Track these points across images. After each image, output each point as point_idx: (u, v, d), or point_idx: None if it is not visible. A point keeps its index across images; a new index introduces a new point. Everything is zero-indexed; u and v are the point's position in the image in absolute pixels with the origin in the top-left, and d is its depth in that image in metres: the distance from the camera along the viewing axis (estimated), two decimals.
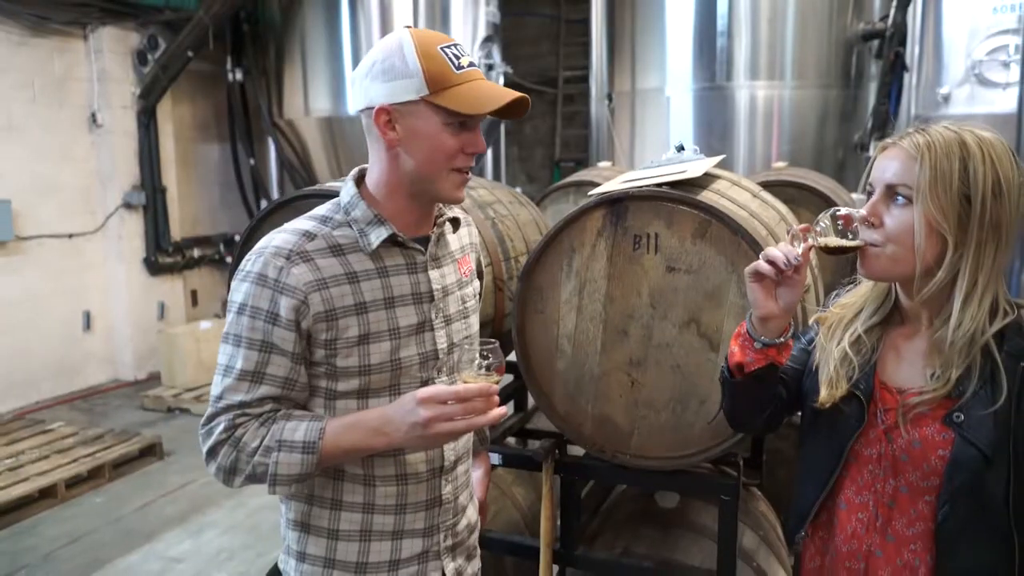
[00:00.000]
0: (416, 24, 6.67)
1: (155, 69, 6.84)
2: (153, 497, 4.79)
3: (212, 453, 1.45)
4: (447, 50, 1.44)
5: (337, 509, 1.55)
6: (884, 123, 5.12)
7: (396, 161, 1.48)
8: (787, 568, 2.67)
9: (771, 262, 1.39)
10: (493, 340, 1.43)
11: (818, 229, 1.41)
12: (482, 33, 7.10)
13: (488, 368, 1.38)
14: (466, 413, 1.35)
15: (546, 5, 9.00)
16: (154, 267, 7.22)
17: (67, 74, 6.68)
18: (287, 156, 7.08)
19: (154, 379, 7.05)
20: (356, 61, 6.63)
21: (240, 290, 1.46)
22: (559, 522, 2.28)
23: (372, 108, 1.44)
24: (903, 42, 5.16)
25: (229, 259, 7.77)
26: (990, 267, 1.37)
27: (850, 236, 1.40)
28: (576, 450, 2.34)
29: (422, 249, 1.55)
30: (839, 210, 1.42)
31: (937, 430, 1.40)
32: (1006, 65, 7.27)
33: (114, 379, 7.19)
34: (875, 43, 5.19)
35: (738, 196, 2.12)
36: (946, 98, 7.56)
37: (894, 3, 5.10)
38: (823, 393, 1.52)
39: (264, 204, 7.56)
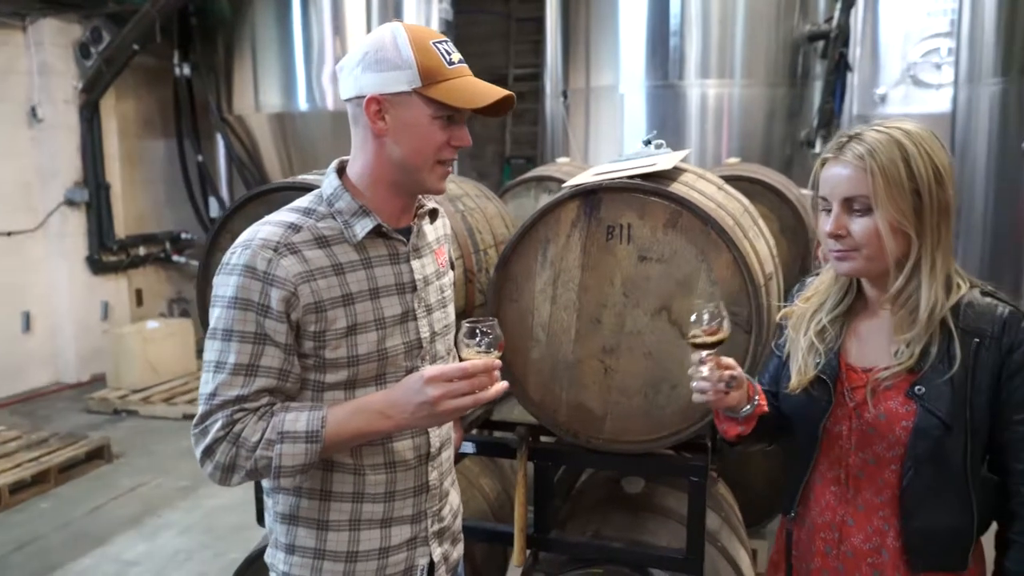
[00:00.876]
0: (368, 20, 6.66)
1: (99, 63, 6.66)
2: (103, 500, 4.68)
3: (209, 452, 1.43)
4: (439, 45, 1.48)
5: (327, 500, 1.56)
6: (829, 121, 5.31)
7: (383, 151, 1.50)
8: (747, 548, 2.77)
9: (711, 391, 1.51)
10: (492, 318, 1.47)
11: (705, 327, 1.52)
12: (435, 30, 7.08)
13: (488, 345, 1.42)
14: (472, 389, 1.39)
15: (497, 3, 9.05)
16: (97, 266, 7.04)
17: (6, 67, 6.47)
18: (237, 152, 6.97)
19: (98, 381, 6.87)
20: (308, 56, 6.57)
21: (228, 283, 1.45)
22: (532, 507, 2.32)
23: (362, 97, 1.46)
24: (847, 43, 5.35)
25: (175, 257, 7.63)
26: (945, 246, 1.49)
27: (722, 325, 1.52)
28: (547, 437, 2.38)
29: (404, 240, 1.58)
30: (704, 317, 1.52)
31: (901, 403, 1.51)
32: (939, 67, 7.59)
33: (56, 381, 6.99)
34: (820, 44, 5.36)
35: (705, 188, 2.19)
36: (883, 98, 7.86)
37: (838, 5, 5.29)
38: (793, 380, 1.63)
39: (212, 201, 7.44)
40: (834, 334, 1.62)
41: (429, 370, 1.40)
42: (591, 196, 2.06)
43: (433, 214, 1.71)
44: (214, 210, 7.46)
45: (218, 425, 1.42)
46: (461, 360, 1.45)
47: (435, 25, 7.13)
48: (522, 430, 2.24)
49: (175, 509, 4.56)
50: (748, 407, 1.58)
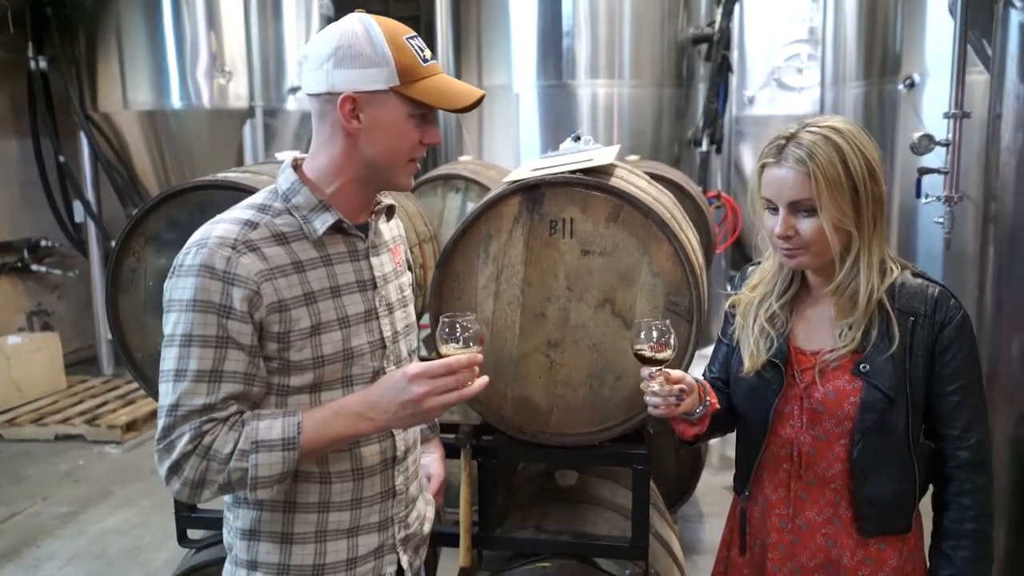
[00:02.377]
0: (247, 15, 6.38)
1: None
2: None
3: (176, 469, 1.35)
4: (412, 41, 1.45)
5: (291, 512, 1.50)
6: (714, 121, 5.55)
7: (354, 149, 1.47)
8: (675, 532, 2.87)
9: (663, 406, 1.57)
10: (470, 312, 1.46)
11: (653, 344, 1.57)
12: (316, 27, 6.91)
13: (468, 340, 1.42)
14: (457, 385, 1.37)
15: (375, 3, 8.93)
16: None
17: None
18: (103, 152, 6.51)
19: None
20: (180, 51, 6.22)
21: (184, 286, 1.37)
22: (475, 507, 2.30)
23: (335, 94, 1.41)
24: (728, 46, 5.62)
25: (35, 267, 7.04)
26: (880, 234, 1.61)
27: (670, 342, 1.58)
28: (487, 435, 2.37)
29: (363, 236, 1.55)
30: (653, 334, 1.57)
31: (847, 380, 1.61)
32: (800, 71, 8.12)
33: None
34: (704, 47, 5.60)
35: (638, 182, 2.25)
36: (751, 100, 8.32)
37: (719, 10, 5.54)
38: (746, 364, 1.70)
39: (77, 205, 6.92)
40: (783, 319, 1.70)
41: (412, 367, 1.38)
42: (533, 191, 2.07)
43: (390, 211, 1.68)
44: (78, 214, 6.94)
45: (186, 438, 1.34)
46: (440, 356, 1.43)
47: (315, 22, 6.94)
48: (466, 429, 2.22)
49: (57, 537, 4.21)
50: (701, 408, 1.65)
